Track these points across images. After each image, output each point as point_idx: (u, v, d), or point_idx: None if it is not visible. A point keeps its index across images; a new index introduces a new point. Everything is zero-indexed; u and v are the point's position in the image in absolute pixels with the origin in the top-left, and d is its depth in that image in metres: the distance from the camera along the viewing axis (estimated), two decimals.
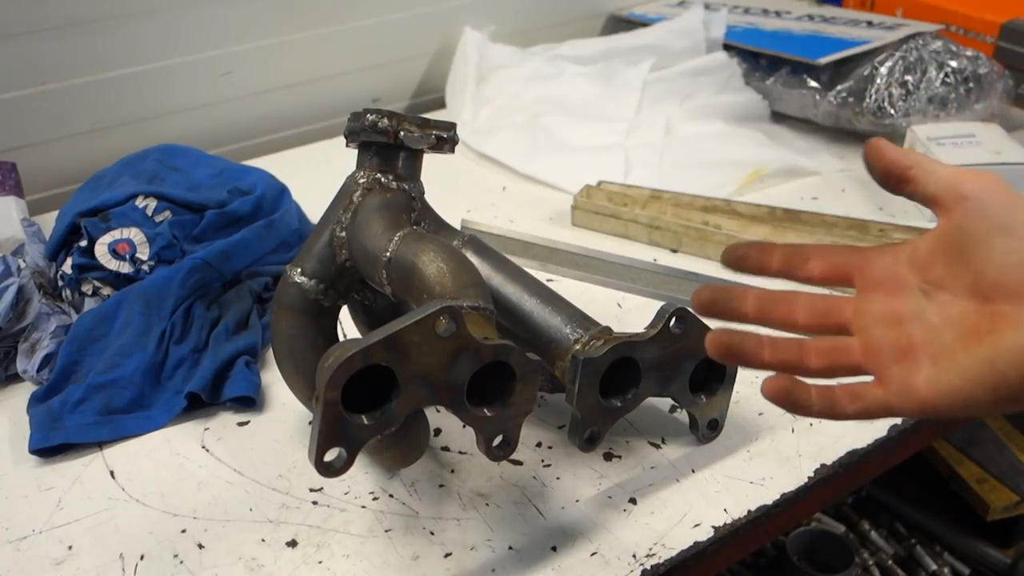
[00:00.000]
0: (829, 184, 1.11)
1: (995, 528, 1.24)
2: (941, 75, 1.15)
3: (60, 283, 0.86)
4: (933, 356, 0.44)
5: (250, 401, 0.77)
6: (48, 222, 0.98)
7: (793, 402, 0.46)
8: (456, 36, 1.34)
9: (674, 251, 0.98)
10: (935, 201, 0.46)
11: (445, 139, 0.68)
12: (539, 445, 0.73)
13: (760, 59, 1.26)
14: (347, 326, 0.79)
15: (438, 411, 0.75)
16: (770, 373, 0.48)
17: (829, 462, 0.71)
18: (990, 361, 0.42)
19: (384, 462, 0.70)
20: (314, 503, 0.68)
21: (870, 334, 0.46)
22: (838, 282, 0.49)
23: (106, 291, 0.85)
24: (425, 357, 0.53)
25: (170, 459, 0.73)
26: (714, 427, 0.72)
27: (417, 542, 0.64)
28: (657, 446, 0.72)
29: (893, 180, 0.47)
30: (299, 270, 0.68)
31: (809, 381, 0.47)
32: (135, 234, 0.86)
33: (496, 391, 0.57)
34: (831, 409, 0.46)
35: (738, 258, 0.50)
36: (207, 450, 0.73)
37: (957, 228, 0.44)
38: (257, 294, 0.88)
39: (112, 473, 0.71)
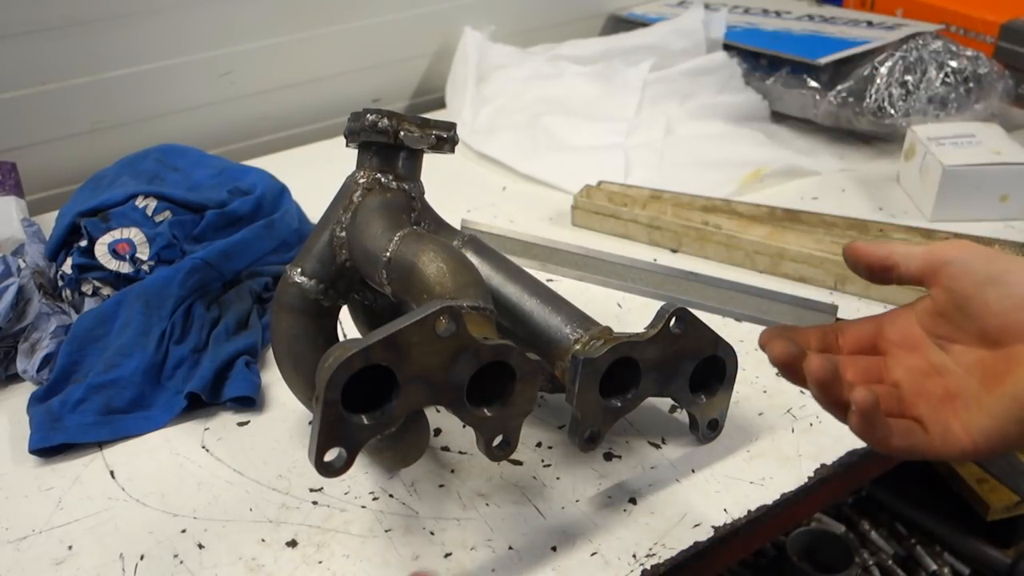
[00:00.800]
0: (829, 184, 1.11)
1: (995, 528, 1.24)
2: (941, 75, 1.15)
3: (60, 283, 0.86)
4: (965, 402, 0.47)
5: (250, 401, 0.77)
6: (48, 222, 0.98)
7: (872, 426, 0.47)
8: (456, 36, 1.34)
9: (674, 251, 0.98)
10: (921, 277, 0.50)
11: (445, 139, 0.68)
12: (539, 445, 0.73)
13: (760, 59, 1.26)
14: (347, 326, 0.79)
15: (438, 411, 0.75)
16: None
17: (829, 462, 0.70)
18: (1013, 397, 0.45)
19: (384, 462, 0.70)
20: (314, 503, 0.68)
21: (912, 383, 0.50)
22: (864, 351, 0.53)
23: (106, 291, 0.85)
24: (425, 357, 0.53)
25: (170, 459, 0.73)
26: (714, 427, 0.72)
27: (417, 542, 0.64)
28: (657, 446, 0.72)
29: (878, 273, 0.51)
30: (299, 270, 0.68)
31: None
32: (135, 234, 0.86)
33: (496, 391, 0.57)
34: (885, 440, 0.47)
35: (787, 356, 0.50)
36: (207, 450, 0.73)
37: (947, 291, 0.49)
38: (257, 294, 0.88)
39: (112, 473, 0.71)
